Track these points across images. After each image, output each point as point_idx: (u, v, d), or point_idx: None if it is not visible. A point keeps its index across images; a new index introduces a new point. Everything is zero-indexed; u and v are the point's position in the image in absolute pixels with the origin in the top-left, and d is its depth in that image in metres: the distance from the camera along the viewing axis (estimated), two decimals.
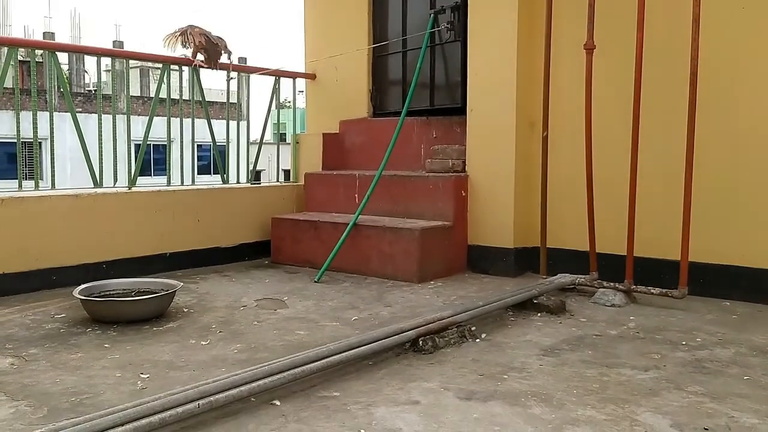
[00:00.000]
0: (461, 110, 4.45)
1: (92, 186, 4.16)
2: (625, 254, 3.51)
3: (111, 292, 3.33)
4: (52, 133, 3.98)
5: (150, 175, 19.82)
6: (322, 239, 4.42)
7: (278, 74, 5.29)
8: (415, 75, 4.45)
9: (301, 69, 5.61)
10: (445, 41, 4.60)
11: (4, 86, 4.04)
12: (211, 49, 4.63)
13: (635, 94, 3.43)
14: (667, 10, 3.62)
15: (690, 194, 3.32)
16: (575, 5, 3.79)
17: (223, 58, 4.74)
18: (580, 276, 3.69)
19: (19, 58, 4.15)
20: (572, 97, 3.84)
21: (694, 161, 3.31)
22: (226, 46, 4.73)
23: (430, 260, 4.07)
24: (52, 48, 4.15)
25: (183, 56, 4.61)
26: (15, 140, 4.08)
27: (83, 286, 3.26)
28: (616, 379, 2.32)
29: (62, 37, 26.46)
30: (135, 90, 26.95)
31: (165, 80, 4.57)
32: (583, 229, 3.70)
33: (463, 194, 4.31)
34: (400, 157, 4.69)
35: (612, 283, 3.55)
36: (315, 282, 4.01)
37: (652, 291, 3.45)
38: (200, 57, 4.63)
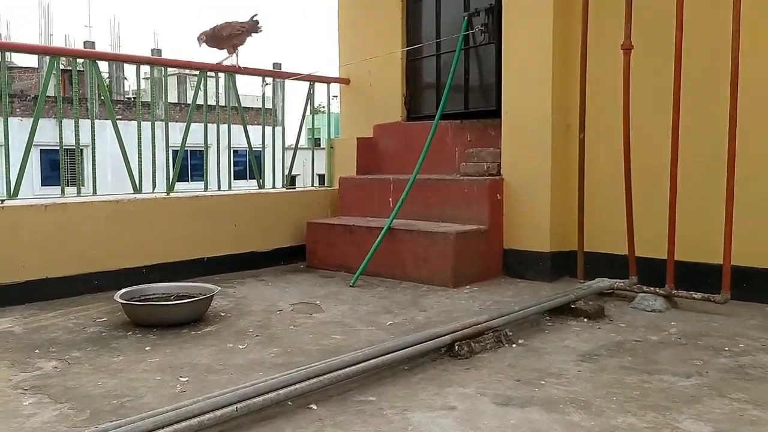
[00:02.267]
0: (496, 113, 4.42)
1: (132, 192, 4.25)
2: (665, 258, 3.45)
3: (151, 296, 3.39)
4: (93, 140, 4.07)
5: (187, 181, 20.12)
6: (356, 243, 4.43)
7: (312, 79, 5.33)
8: (449, 78, 4.44)
9: (335, 74, 5.64)
10: (479, 44, 4.58)
11: (46, 95, 4.15)
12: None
13: (674, 95, 3.36)
14: (706, 7, 3.54)
15: (732, 195, 3.24)
16: (612, 5, 3.74)
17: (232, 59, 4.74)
18: (618, 280, 3.63)
19: (61, 66, 4.23)
20: (609, 98, 3.79)
21: (736, 162, 3.23)
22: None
23: (465, 264, 4.05)
24: (93, 57, 4.25)
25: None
26: (57, 147, 4.18)
27: (124, 290, 3.33)
28: (657, 385, 2.28)
29: (102, 46, 27.13)
30: (173, 97, 27.43)
31: (201, 87, 4.65)
32: (621, 233, 3.64)
33: (498, 197, 4.27)
34: (434, 161, 4.68)
35: (652, 288, 3.48)
36: (350, 286, 4.02)
37: (693, 296, 3.38)
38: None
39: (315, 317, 3.29)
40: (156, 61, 4.65)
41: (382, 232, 4.23)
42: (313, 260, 4.73)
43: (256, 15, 4.70)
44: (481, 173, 4.39)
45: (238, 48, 4.73)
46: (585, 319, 3.17)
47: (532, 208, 4.16)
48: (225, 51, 4.72)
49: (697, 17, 3.48)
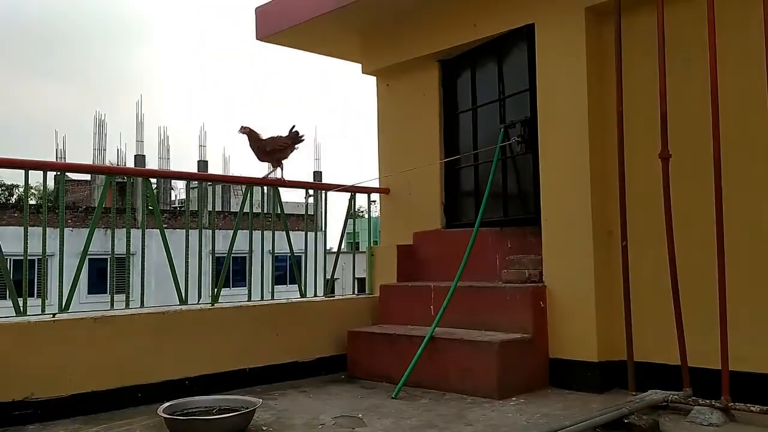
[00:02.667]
0: (535, 220, 4.45)
1: (178, 303, 4.32)
2: (720, 368, 3.32)
3: (193, 410, 3.38)
4: (143, 251, 4.21)
5: (229, 287, 20.38)
6: (398, 353, 4.38)
7: (353, 190, 5.47)
8: (488, 188, 4.51)
9: (375, 182, 5.78)
10: (516, 154, 4.68)
11: (96, 205, 4.34)
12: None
13: (716, 201, 3.35)
14: (742, 114, 3.59)
15: None
16: (647, 113, 3.82)
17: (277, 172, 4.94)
18: (672, 392, 3.49)
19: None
20: (650, 204, 3.79)
21: None
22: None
23: (510, 374, 3.95)
24: (147, 175, 4.49)
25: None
26: (103, 256, 4.32)
27: (167, 404, 3.32)
28: None
29: (151, 156, 28.45)
30: (216, 205, 28.29)
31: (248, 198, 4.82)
32: (672, 342, 3.54)
33: (542, 305, 4.22)
34: (474, 268, 4.67)
35: (708, 400, 3.33)
36: (392, 398, 3.94)
37: (751, 408, 3.22)
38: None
39: None
40: (205, 177, 4.89)
41: (424, 341, 4.18)
42: (355, 370, 4.67)
43: (294, 126, 4.90)
44: (522, 280, 4.37)
45: (282, 161, 4.93)
46: None
47: (577, 316, 4.09)
48: (269, 164, 4.92)
49: (734, 125, 3.53)
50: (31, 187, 24.63)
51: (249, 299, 4.75)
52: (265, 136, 4.87)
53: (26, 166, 3.79)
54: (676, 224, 3.56)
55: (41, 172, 3.88)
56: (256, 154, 4.89)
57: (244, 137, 4.86)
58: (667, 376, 3.65)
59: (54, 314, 3.75)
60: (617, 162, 3.87)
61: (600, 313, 4.03)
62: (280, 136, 4.90)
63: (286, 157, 4.93)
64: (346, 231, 5.72)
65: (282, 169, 4.94)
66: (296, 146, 4.93)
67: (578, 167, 4.14)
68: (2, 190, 33.72)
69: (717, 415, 3.24)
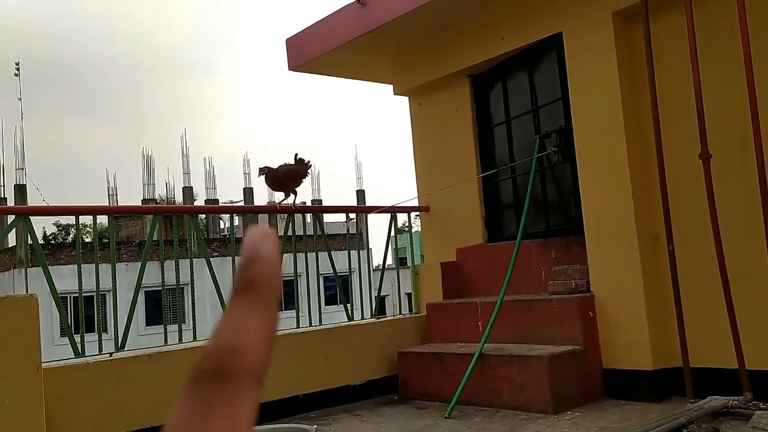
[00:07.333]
0: (578, 230, 4.40)
1: None
2: None
3: None
4: (192, 284, 4.32)
5: (281, 310, 20.56)
6: (448, 371, 4.37)
7: (394, 210, 5.51)
8: (527, 199, 4.49)
9: (414, 201, 5.81)
10: (554, 164, 4.64)
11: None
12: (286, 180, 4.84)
13: (762, 199, 3.27)
14: None
15: None
16: (685, 116, 3.75)
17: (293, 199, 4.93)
18: (732, 398, 3.39)
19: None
20: (695, 206, 3.71)
21: None
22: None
23: (563, 388, 3.89)
24: (192, 211, 4.61)
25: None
26: (155, 288, 4.46)
27: None
28: None
29: (199, 186, 29.04)
30: None
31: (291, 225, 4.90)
32: (729, 345, 3.44)
33: (591, 315, 4.16)
34: (520, 281, 4.63)
35: None
36: (445, 418, 3.93)
37: None
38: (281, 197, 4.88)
39: None
40: (242, 210, 4.97)
41: (474, 359, 4.16)
42: (406, 391, 4.67)
43: (297, 154, 4.85)
44: (570, 291, 4.31)
45: (296, 189, 4.88)
46: None
47: (629, 324, 4.01)
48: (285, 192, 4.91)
49: None
50: (87, 226, 25.43)
51: (297, 326, 4.81)
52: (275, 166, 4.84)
53: (76, 212, 3.94)
54: (723, 225, 3.47)
55: (91, 216, 4.04)
56: (271, 187, 4.88)
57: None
58: (727, 381, 3.54)
59: (111, 353, 3.88)
60: (657, 166, 3.81)
61: (652, 319, 3.95)
62: (291, 164, 4.85)
63: (298, 185, 4.89)
64: (389, 249, 5.76)
65: (295, 196, 4.92)
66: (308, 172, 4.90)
67: (618, 173, 4.09)
68: (59, 230, 34.95)
69: None
